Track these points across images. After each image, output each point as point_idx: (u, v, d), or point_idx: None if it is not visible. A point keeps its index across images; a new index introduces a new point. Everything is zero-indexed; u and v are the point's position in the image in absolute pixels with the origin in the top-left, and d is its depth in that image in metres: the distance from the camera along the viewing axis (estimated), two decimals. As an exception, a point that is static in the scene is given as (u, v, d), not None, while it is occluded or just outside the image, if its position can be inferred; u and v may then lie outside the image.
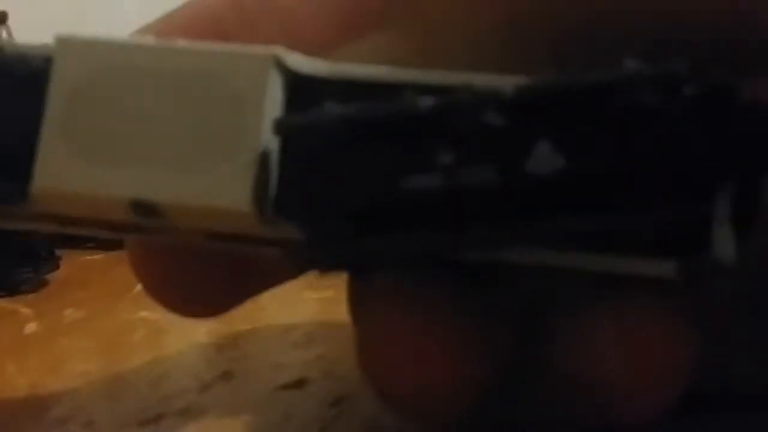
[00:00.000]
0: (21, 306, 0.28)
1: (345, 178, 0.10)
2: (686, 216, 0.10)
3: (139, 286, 0.32)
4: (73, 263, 0.33)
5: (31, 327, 0.25)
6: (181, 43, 0.11)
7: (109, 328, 0.25)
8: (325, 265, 0.11)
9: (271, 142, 0.11)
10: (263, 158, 0.11)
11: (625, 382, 0.11)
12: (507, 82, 0.10)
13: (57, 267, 0.32)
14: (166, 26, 0.14)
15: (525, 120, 0.10)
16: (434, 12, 0.12)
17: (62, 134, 0.11)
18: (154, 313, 0.27)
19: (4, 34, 0.60)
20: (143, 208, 0.11)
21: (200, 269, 0.14)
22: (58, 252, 0.32)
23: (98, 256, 0.38)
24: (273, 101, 0.11)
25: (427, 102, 0.10)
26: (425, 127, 0.10)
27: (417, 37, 0.12)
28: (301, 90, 0.11)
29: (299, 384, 0.19)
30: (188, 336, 0.25)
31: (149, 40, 0.11)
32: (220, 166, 0.11)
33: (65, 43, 0.11)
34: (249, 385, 0.20)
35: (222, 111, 0.11)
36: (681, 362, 0.11)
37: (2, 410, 0.19)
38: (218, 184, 0.11)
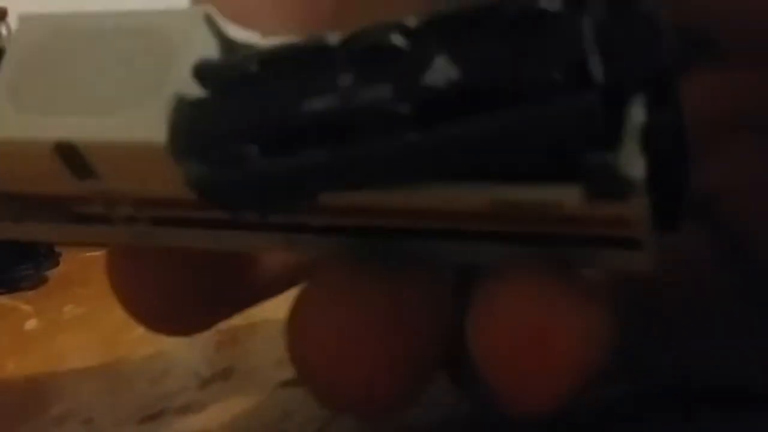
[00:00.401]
0: (21, 303, 0.27)
1: (250, 108, 0.10)
2: (583, 111, 0.09)
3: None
4: (72, 260, 0.33)
5: (30, 324, 0.25)
6: (126, 10, 0.12)
7: (109, 325, 0.25)
8: (231, 195, 0.11)
9: (193, 87, 0.11)
10: (180, 98, 0.11)
11: (511, 365, 0.11)
12: None
13: (57, 264, 0.32)
14: None
15: (426, 40, 0.10)
16: (386, 15, 0.12)
17: (7, 93, 0.12)
18: (153, 310, 0.27)
19: (4, 31, 0.60)
20: (68, 154, 0.11)
21: (179, 281, 0.14)
22: (57, 249, 0.32)
23: (98, 253, 0.38)
24: (203, 53, 0.11)
25: (335, 37, 0.10)
26: (331, 57, 0.10)
27: None
28: (225, 43, 0.11)
29: (299, 382, 0.19)
30: (188, 333, 0.25)
31: (91, 12, 0.12)
32: (140, 106, 0.11)
33: (24, 19, 0.12)
34: (249, 383, 0.20)
35: (151, 62, 0.11)
36: (578, 351, 0.11)
37: (2, 407, 0.19)
38: (137, 121, 0.11)
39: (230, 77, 0.11)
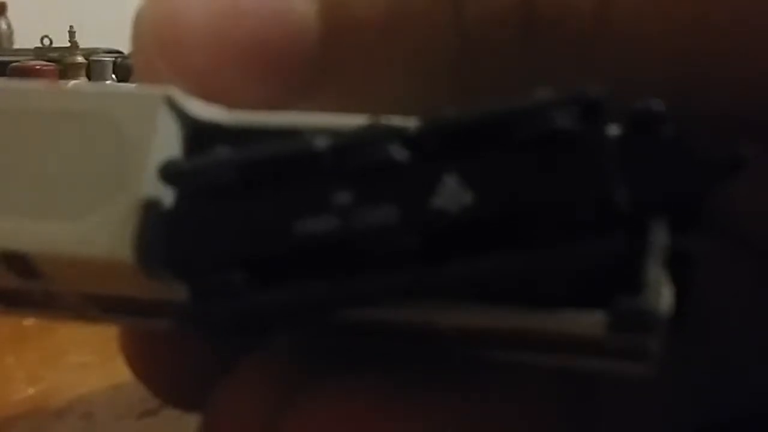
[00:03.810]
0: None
1: (234, 226, 0.09)
2: (610, 251, 0.08)
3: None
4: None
5: (30, 319, 0.25)
6: (74, 84, 0.11)
7: (109, 320, 0.25)
8: (214, 324, 0.10)
9: (158, 189, 0.09)
10: (147, 205, 0.09)
11: None
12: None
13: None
14: None
15: (430, 153, 0.09)
16: (363, 79, 0.11)
17: None
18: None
19: (4, 25, 0.60)
20: (16, 262, 0.10)
21: (192, 357, 0.13)
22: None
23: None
24: (165, 145, 0.10)
25: (323, 141, 0.09)
26: (321, 167, 0.09)
27: (355, 101, 0.11)
28: (199, 138, 0.10)
29: None
30: (188, 327, 0.25)
31: (43, 84, 0.11)
32: (99, 212, 0.10)
33: None
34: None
35: (107, 154, 0.10)
36: None
37: (1, 402, 0.19)
38: (95, 231, 0.09)
39: (205, 185, 0.09)
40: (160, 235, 0.09)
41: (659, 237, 0.09)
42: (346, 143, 0.09)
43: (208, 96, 0.10)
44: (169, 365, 0.13)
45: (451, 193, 0.09)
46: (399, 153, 0.09)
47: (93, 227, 0.10)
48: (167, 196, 0.09)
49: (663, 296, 0.09)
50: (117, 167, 0.10)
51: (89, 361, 0.21)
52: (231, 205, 0.09)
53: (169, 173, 0.09)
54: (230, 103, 0.10)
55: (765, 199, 0.13)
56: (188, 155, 0.10)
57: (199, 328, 0.10)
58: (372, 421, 0.11)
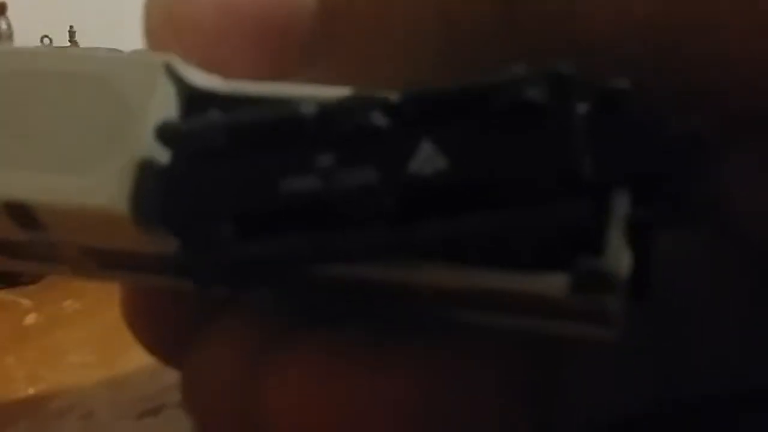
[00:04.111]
0: (20, 297, 0.27)
1: (224, 184, 0.10)
2: (573, 215, 0.09)
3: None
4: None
5: (30, 318, 0.25)
6: (80, 48, 0.11)
7: (109, 320, 0.25)
8: (204, 275, 0.10)
9: (155, 149, 0.10)
10: (144, 163, 0.10)
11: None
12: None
13: (57, 258, 0.32)
14: None
15: (410, 122, 0.09)
16: (357, 53, 0.12)
17: None
18: (153, 305, 0.27)
19: (4, 25, 0.60)
20: (18, 212, 0.11)
21: (186, 315, 0.13)
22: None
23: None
24: (162, 108, 0.10)
25: (310, 108, 0.10)
26: (307, 131, 0.10)
27: (348, 73, 0.12)
28: (195, 103, 0.11)
29: None
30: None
31: (50, 47, 0.11)
32: (99, 167, 0.10)
33: None
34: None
35: (108, 115, 0.10)
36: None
37: (2, 401, 0.19)
38: (94, 184, 0.10)
39: (198, 145, 0.10)
40: (155, 190, 0.10)
41: (620, 206, 0.09)
42: (330, 109, 0.10)
43: (212, 66, 0.11)
44: (165, 323, 0.14)
45: (427, 158, 0.09)
46: (379, 119, 0.09)
47: (93, 181, 0.10)
48: (163, 155, 0.10)
49: (621, 260, 0.09)
50: (117, 127, 0.10)
51: (89, 360, 0.21)
52: (221, 164, 0.10)
53: (165, 134, 0.10)
54: (232, 74, 0.11)
55: (765, 198, 0.13)
56: (183, 119, 0.10)
57: (188, 277, 0.11)
58: (352, 374, 0.11)
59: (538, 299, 0.10)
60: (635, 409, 0.14)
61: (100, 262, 0.12)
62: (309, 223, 0.10)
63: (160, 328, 0.14)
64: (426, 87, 0.10)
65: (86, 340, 0.23)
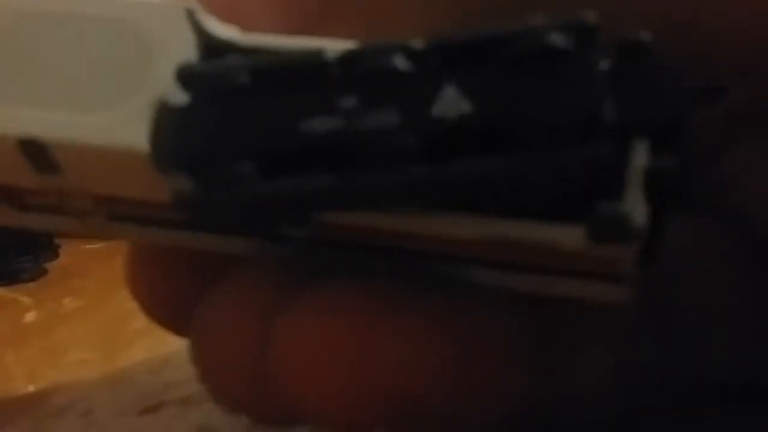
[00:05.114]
0: (20, 295, 0.27)
1: (244, 124, 0.10)
2: (595, 159, 0.09)
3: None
4: (72, 252, 0.33)
5: (30, 316, 0.25)
6: None
7: (109, 317, 0.25)
8: (223, 214, 0.10)
9: (175, 91, 0.10)
10: (164, 104, 0.10)
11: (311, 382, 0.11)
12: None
13: (56, 256, 0.32)
14: None
15: (433, 66, 0.10)
16: (376, 10, 0.12)
17: None
18: (153, 302, 0.27)
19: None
20: (34, 151, 0.11)
21: (191, 277, 0.13)
22: (57, 241, 0.32)
23: (98, 245, 0.38)
24: (181, 52, 0.10)
25: (332, 53, 0.10)
26: (329, 73, 0.10)
27: (360, 35, 0.12)
28: (214, 52, 0.11)
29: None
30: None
31: None
32: (118, 107, 0.10)
33: None
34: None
35: (128, 57, 0.11)
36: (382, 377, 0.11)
37: (2, 399, 0.19)
38: (113, 123, 0.10)
39: (218, 86, 0.10)
40: (174, 131, 0.10)
41: (640, 157, 0.09)
42: (352, 53, 0.10)
43: (231, 19, 0.11)
44: (171, 285, 0.14)
45: (451, 102, 0.09)
46: (402, 63, 0.10)
47: (112, 120, 0.10)
48: (182, 97, 0.10)
49: (639, 211, 0.09)
50: (136, 69, 0.10)
51: (89, 358, 0.21)
52: (241, 105, 0.10)
53: (185, 75, 0.10)
54: (250, 30, 0.11)
55: (755, 174, 0.13)
56: (200, 55, 0.11)
57: (206, 216, 0.10)
58: (368, 322, 0.11)
59: (553, 252, 0.10)
60: (634, 395, 0.14)
61: (112, 214, 0.12)
62: (330, 164, 0.10)
63: (165, 290, 0.14)
64: (450, 33, 0.10)
65: (86, 337, 0.23)
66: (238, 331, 0.12)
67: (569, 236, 0.10)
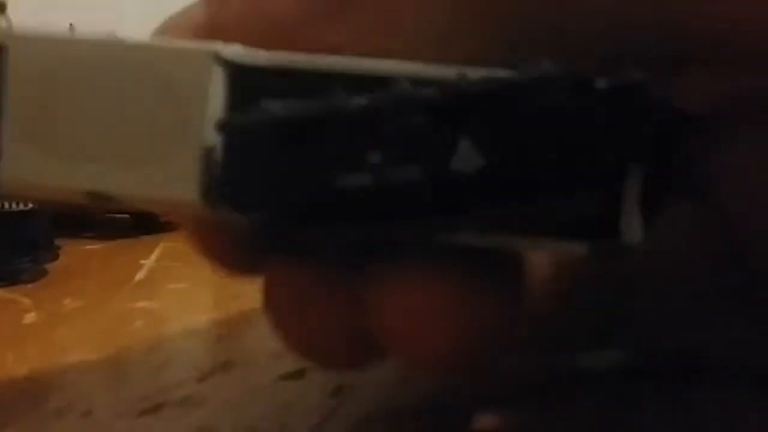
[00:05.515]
0: (20, 296, 0.27)
1: (283, 174, 0.11)
2: (595, 201, 0.11)
3: (138, 276, 0.32)
4: (72, 253, 0.33)
5: (30, 317, 0.25)
6: (128, 38, 0.12)
7: (108, 318, 0.25)
8: (269, 249, 0.12)
9: (215, 136, 0.11)
10: (208, 152, 0.11)
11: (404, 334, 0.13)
12: (433, 74, 0.11)
13: (56, 257, 0.32)
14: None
15: (447, 120, 0.11)
16: (396, 3, 0.12)
17: (23, 127, 0.12)
18: (153, 303, 0.27)
19: (4, 24, 0.60)
20: (99, 198, 0.12)
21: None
22: (57, 242, 0.32)
23: (97, 246, 0.38)
24: (215, 94, 0.12)
25: (355, 102, 0.11)
26: (355, 127, 0.11)
27: (379, 30, 0.12)
28: (241, 79, 0.12)
29: (299, 374, 0.19)
30: (188, 326, 0.25)
31: (97, 35, 0.12)
32: (169, 159, 0.11)
33: (18, 40, 0.12)
34: (249, 375, 0.20)
35: (168, 105, 0.12)
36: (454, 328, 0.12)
37: (1, 399, 0.19)
38: (167, 176, 0.11)
39: (255, 139, 0.11)
40: (221, 178, 0.11)
41: (635, 182, 0.11)
42: (375, 106, 0.11)
43: (255, 13, 0.12)
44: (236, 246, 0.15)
45: (467, 157, 0.11)
46: (419, 119, 0.11)
47: (167, 173, 0.11)
48: (221, 142, 0.11)
49: (636, 227, 0.11)
50: (179, 117, 0.11)
51: (89, 359, 0.21)
52: (278, 153, 0.11)
53: (224, 127, 0.11)
54: (272, 20, 0.12)
55: (750, 177, 0.14)
56: (234, 96, 0.12)
57: (257, 248, 0.12)
58: (462, 284, 0.12)
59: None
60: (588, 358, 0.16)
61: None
62: (361, 212, 0.11)
63: (231, 249, 0.15)
64: (459, 77, 0.11)
65: (86, 338, 0.23)
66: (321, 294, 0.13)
67: (575, 250, 0.11)
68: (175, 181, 0.11)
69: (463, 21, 0.12)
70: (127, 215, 0.41)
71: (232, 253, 0.15)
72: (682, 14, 0.12)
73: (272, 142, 0.11)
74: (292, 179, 0.11)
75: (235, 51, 0.12)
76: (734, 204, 0.14)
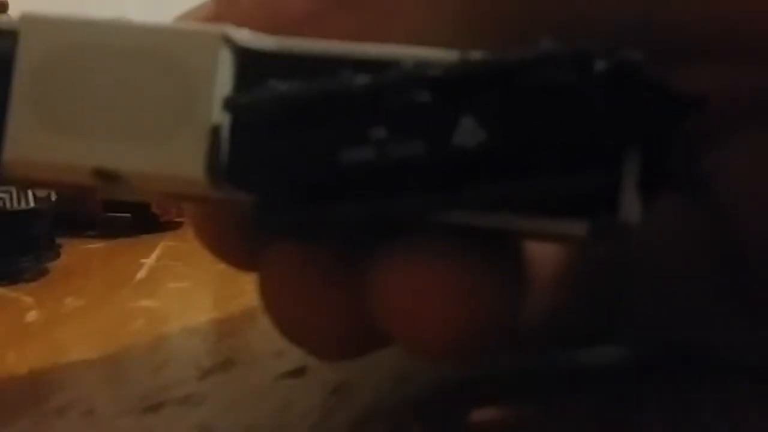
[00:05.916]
0: (22, 294, 0.28)
1: (289, 152, 0.11)
2: (595, 180, 0.11)
3: (139, 275, 0.32)
4: (73, 252, 0.33)
5: (31, 315, 0.25)
6: (138, 20, 0.12)
7: (110, 317, 0.25)
8: (273, 230, 0.12)
9: (221, 115, 0.12)
10: (215, 131, 0.12)
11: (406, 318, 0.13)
12: (436, 57, 0.11)
13: (57, 255, 0.32)
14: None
15: (450, 97, 0.11)
16: (401, 1, 0.13)
17: (30, 108, 0.12)
18: (154, 302, 0.27)
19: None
20: (105, 175, 0.12)
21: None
22: (58, 240, 0.32)
23: (99, 245, 0.38)
24: (223, 76, 0.12)
25: (360, 80, 0.11)
26: (359, 104, 0.11)
27: (384, 28, 0.13)
28: (249, 63, 0.12)
29: (299, 372, 0.19)
30: (188, 324, 0.25)
31: (109, 17, 0.12)
32: (176, 137, 0.12)
33: (30, 20, 0.12)
34: (249, 374, 0.20)
35: (176, 85, 0.12)
36: (467, 308, 0.13)
37: (2, 398, 0.19)
38: (174, 154, 0.12)
39: (261, 118, 0.11)
40: (227, 156, 0.12)
41: (634, 163, 0.11)
42: (378, 84, 0.11)
43: (264, 11, 0.13)
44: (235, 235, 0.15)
45: (469, 132, 0.11)
46: (423, 96, 0.11)
47: (174, 150, 0.12)
48: (228, 121, 0.12)
49: (635, 209, 0.11)
50: (187, 97, 0.12)
51: (90, 357, 0.21)
52: (283, 132, 0.11)
53: (231, 105, 0.12)
54: (280, 18, 0.13)
55: (750, 177, 0.14)
56: (242, 80, 0.12)
57: (261, 230, 0.12)
58: (463, 264, 0.13)
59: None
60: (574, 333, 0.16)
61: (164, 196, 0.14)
62: (365, 189, 0.11)
63: (230, 238, 0.15)
64: (462, 61, 0.11)
65: (87, 337, 0.23)
66: (313, 276, 0.14)
67: (574, 230, 0.11)
68: (181, 159, 0.12)
69: (465, 20, 0.12)
70: (127, 214, 0.41)
71: (236, 243, 0.15)
72: (682, 9, 0.12)
73: (278, 120, 0.11)
74: (298, 156, 0.11)
75: (244, 34, 0.12)
76: (734, 204, 0.14)
